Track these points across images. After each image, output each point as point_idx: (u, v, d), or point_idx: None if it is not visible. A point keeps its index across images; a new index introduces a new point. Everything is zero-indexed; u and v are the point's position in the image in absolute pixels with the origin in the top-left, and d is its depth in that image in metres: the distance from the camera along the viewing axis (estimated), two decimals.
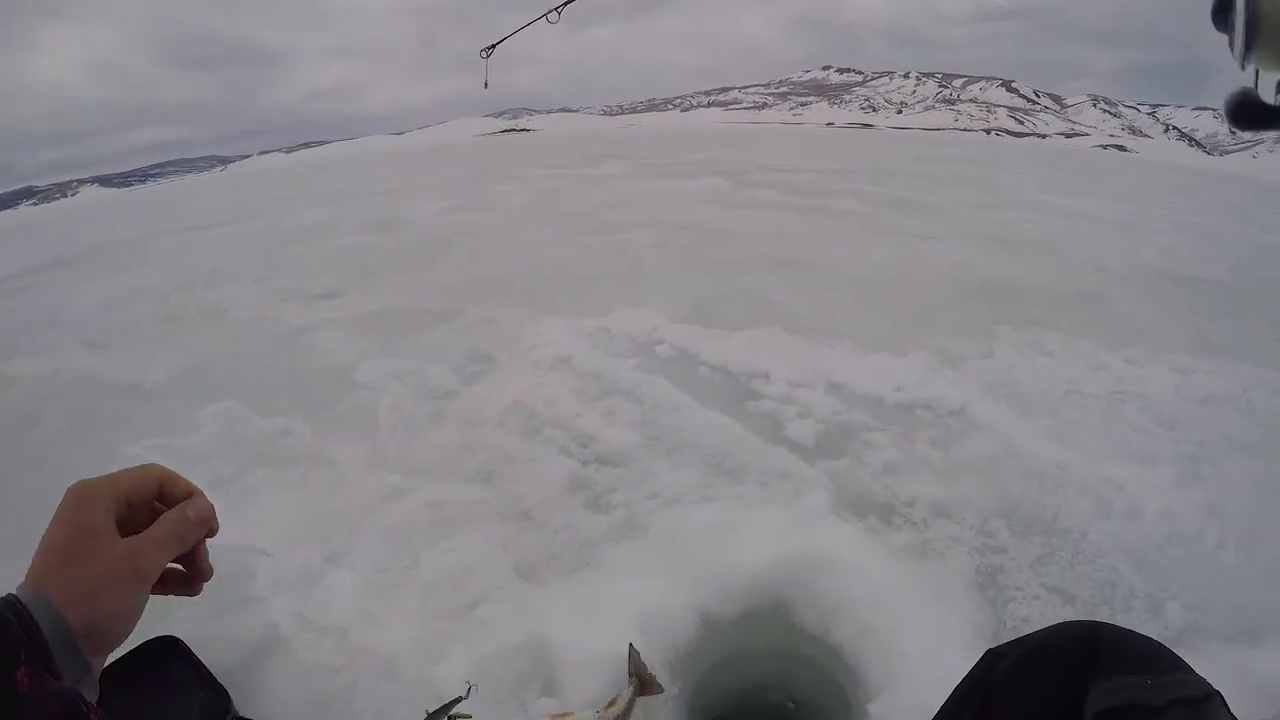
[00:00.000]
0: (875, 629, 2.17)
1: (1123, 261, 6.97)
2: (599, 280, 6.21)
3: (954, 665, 2.09)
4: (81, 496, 0.70)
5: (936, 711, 1.22)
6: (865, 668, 2.12)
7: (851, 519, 2.77)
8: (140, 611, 0.70)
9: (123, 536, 0.71)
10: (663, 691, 1.91)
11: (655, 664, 2.09)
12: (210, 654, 2.02)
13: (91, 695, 0.62)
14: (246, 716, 1.86)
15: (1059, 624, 1.08)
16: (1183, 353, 4.42)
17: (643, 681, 1.85)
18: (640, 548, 2.66)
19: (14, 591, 0.63)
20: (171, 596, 0.82)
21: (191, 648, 2.00)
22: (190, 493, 0.81)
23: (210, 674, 1.95)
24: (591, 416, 3.65)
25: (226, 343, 5.23)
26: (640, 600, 2.27)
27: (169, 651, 1.96)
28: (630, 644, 1.78)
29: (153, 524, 0.75)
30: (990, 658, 1.11)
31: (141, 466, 0.78)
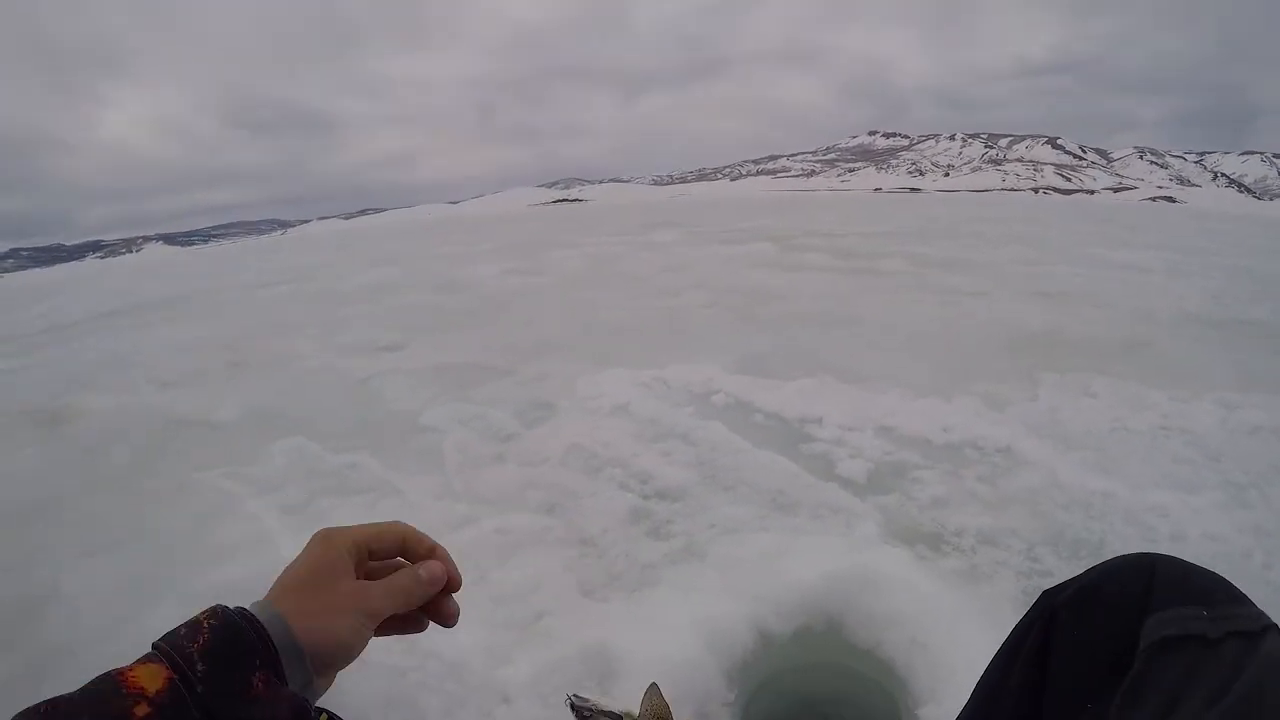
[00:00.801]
0: (924, 643, 2.28)
1: (1169, 308, 6.99)
2: (654, 338, 6.42)
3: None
4: (325, 539, 0.80)
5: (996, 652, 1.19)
6: (914, 679, 2.22)
7: (901, 546, 2.89)
8: (363, 644, 0.78)
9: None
10: None
11: (714, 673, 2.24)
12: None
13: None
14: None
15: (1117, 557, 1.06)
16: (1228, 389, 4.47)
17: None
18: (699, 570, 2.80)
19: (247, 607, 0.70)
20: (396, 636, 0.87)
21: None
22: (433, 550, 0.85)
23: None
24: (649, 456, 3.82)
25: (293, 387, 5.47)
26: (699, 613, 2.42)
27: None
28: (653, 683, 1.68)
29: (390, 576, 0.82)
30: (1048, 594, 1.09)
31: (388, 522, 0.84)
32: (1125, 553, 1.06)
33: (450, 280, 10.40)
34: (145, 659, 0.62)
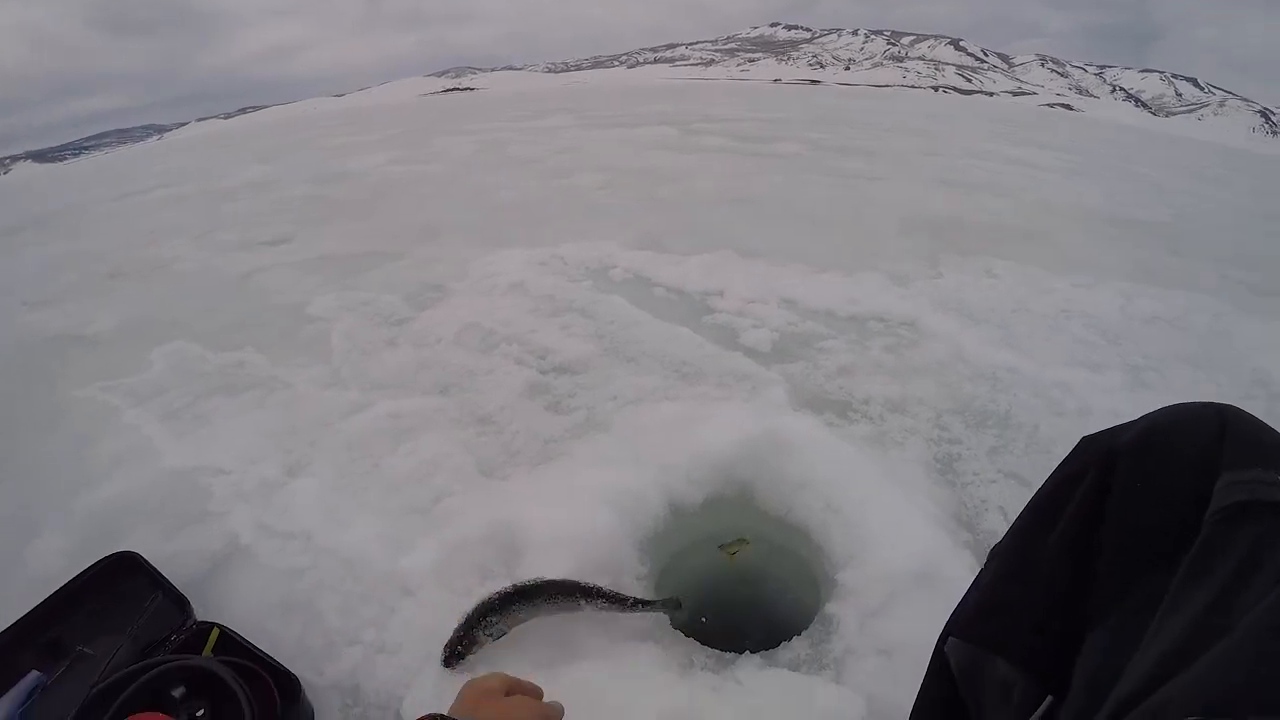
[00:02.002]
0: (838, 507, 2.20)
1: (1068, 203, 7.10)
2: (548, 218, 6.12)
3: (920, 535, 2.14)
4: (478, 684, 1.09)
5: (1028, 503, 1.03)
6: (830, 544, 2.14)
7: (809, 413, 2.80)
8: None
9: None
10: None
11: (625, 546, 2.11)
12: (171, 569, 2.03)
13: None
14: (208, 621, 1.86)
15: (1177, 404, 0.94)
16: (1126, 280, 4.54)
17: None
18: (603, 442, 2.66)
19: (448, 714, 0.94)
20: None
21: (151, 562, 2.01)
22: (539, 690, 1.14)
23: (169, 583, 1.96)
24: (547, 332, 3.63)
25: (173, 292, 5.03)
26: (606, 485, 2.28)
27: (126, 566, 1.99)
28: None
29: (550, 703, 1.13)
30: (1095, 440, 0.95)
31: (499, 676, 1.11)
32: (1184, 403, 0.94)
33: (336, 171, 9.80)
34: None
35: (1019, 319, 3.84)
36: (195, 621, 1.87)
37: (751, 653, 1.92)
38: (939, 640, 1.09)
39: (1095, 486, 0.90)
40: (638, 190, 7.18)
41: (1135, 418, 0.95)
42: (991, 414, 2.89)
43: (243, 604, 2.04)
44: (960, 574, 2.06)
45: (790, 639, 1.95)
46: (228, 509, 2.41)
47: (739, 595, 2.47)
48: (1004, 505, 2.44)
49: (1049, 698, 0.87)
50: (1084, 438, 0.98)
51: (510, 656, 1.76)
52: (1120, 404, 2.96)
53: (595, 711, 1.66)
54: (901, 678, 1.80)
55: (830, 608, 1.99)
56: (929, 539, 2.14)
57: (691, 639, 1.97)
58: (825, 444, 2.45)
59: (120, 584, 1.98)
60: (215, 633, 1.81)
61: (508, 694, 1.07)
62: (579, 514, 2.14)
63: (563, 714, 1.11)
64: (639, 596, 1.90)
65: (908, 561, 2.01)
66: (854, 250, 4.93)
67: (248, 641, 1.80)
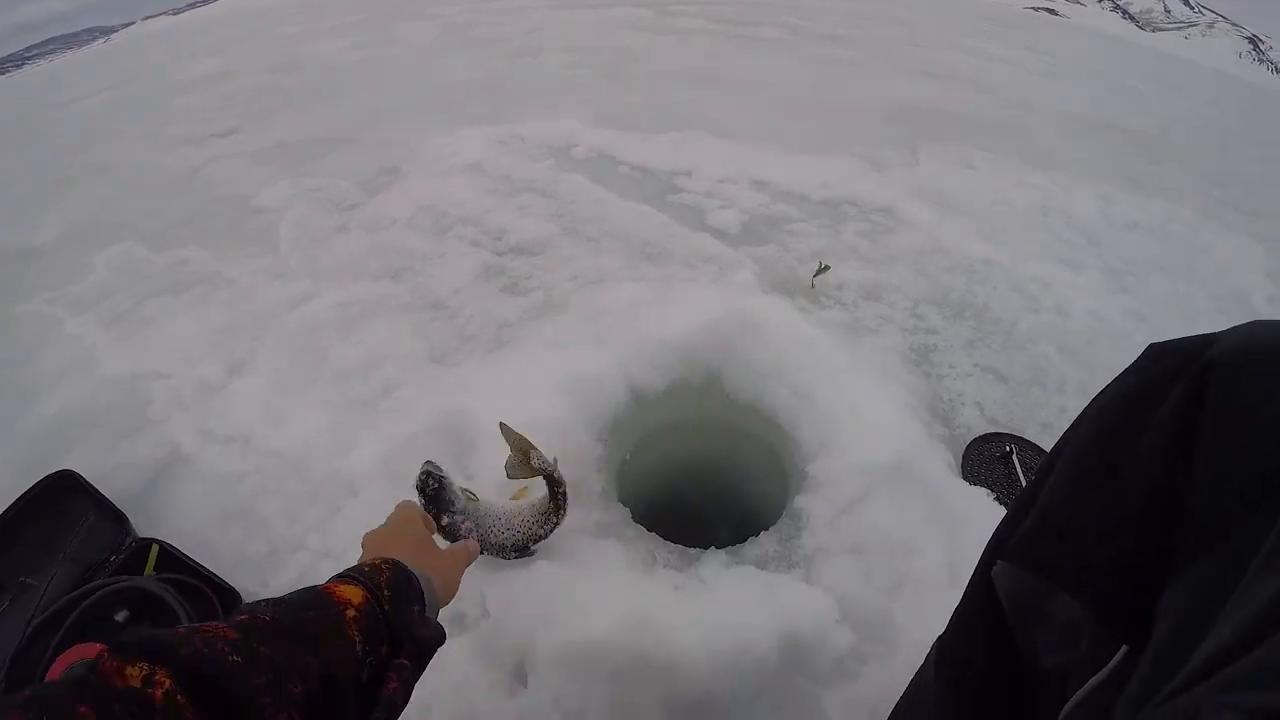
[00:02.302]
0: (808, 394, 2.06)
1: (1050, 104, 6.83)
2: (510, 97, 5.75)
3: (895, 427, 2.01)
4: (409, 516, 1.25)
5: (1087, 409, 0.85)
6: (800, 433, 2.01)
7: (779, 296, 2.63)
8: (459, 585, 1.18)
9: None
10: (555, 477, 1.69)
11: (583, 435, 1.97)
12: (112, 484, 1.96)
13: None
14: (148, 537, 1.80)
15: (1267, 320, 0.74)
16: (1107, 184, 4.37)
17: (522, 453, 1.64)
18: (561, 324, 2.49)
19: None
20: None
21: (91, 481, 1.94)
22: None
23: (108, 502, 1.92)
24: (504, 212, 3.40)
25: (117, 193, 4.68)
26: (563, 371, 2.11)
27: (65, 486, 1.95)
28: (500, 421, 1.60)
29: (463, 543, 1.33)
30: (1168, 351, 0.78)
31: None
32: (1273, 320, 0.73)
33: (290, 60, 9.18)
34: (343, 579, 0.90)
35: (998, 212, 3.69)
36: (134, 539, 1.84)
37: (717, 548, 1.80)
38: (982, 562, 0.93)
39: (1185, 402, 0.72)
40: (607, 69, 6.79)
41: (1209, 331, 0.75)
42: (969, 306, 2.76)
43: (184, 515, 1.98)
44: (936, 470, 1.96)
45: (758, 534, 1.84)
46: (168, 416, 2.31)
47: (706, 486, 2.35)
48: (980, 400, 2.33)
49: (1124, 648, 0.72)
50: (1153, 345, 0.80)
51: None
52: (1099, 306, 2.87)
53: (554, 613, 1.56)
54: (874, 577, 1.71)
55: (800, 501, 1.87)
56: (904, 431, 2.03)
57: (654, 533, 1.85)
58: (796, 329, 2.29)
59: (61, 505, 1.93)
60: (155, 550, 1.78)
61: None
62: (534, 402, 1.98)
63: (477, 553, 1.24)
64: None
65: (881, 454, 1.90)
66: (830, 134, 4.68)
67: (188, 557, 1.77)
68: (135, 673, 0.61)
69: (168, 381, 2.44)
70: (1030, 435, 2.23)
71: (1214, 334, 0.74)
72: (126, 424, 2.27)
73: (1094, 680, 0.73)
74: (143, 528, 1.89)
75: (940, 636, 1.06)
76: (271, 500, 1.97)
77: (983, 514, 1.86)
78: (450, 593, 1.12)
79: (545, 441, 1.67)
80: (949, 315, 2.68)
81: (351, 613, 0.82)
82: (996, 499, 1.92)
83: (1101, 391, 0.83)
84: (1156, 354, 0.79)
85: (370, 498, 1.89)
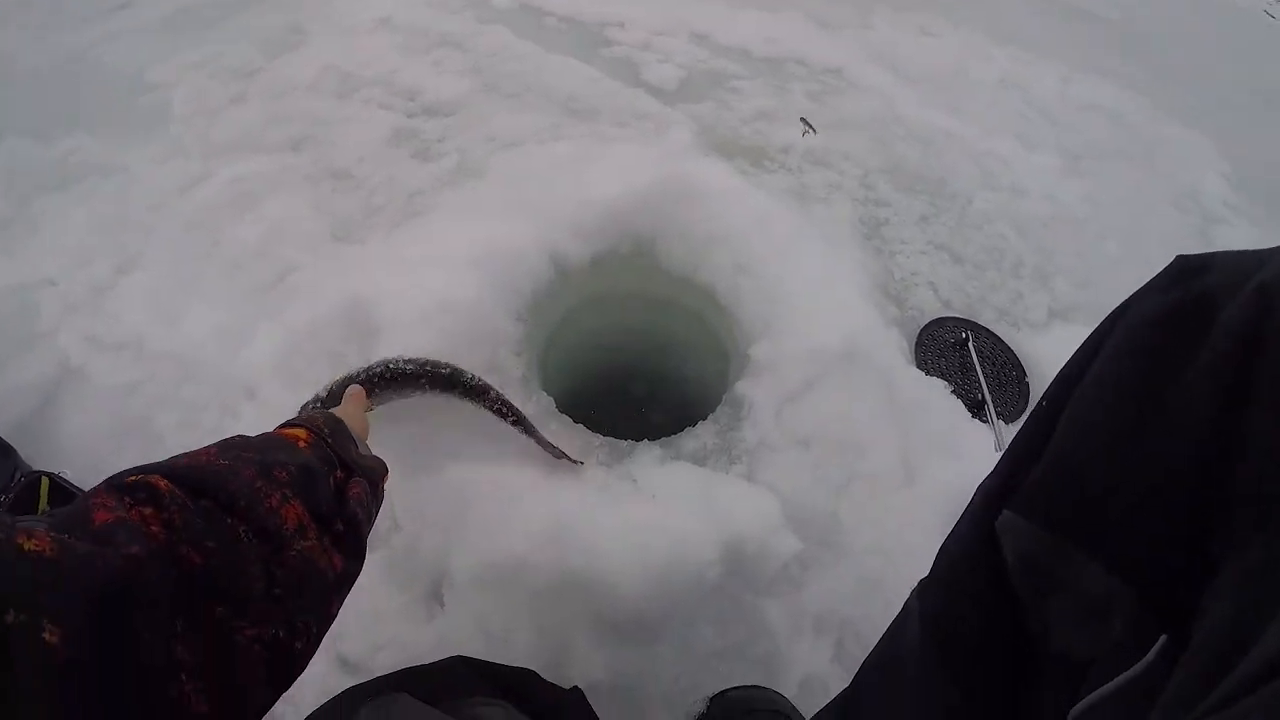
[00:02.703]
0: (750, 268, 1.85)
1: None
2: None
3: (845, 306, 1.79)
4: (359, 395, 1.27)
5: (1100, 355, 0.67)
6: (742, 310, 1.82)
7: (719, 158, 2.37)
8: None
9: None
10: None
11: (500, 314, 1.73)
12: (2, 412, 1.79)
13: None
14: (41, 471, 1.65)
15: None
16: (1067, 64, 4.11)
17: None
18: (476, 191, 2.22)
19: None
20: None
21: None
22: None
23: None
24: (416, 70, 3.01)
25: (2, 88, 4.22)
26: (477, 242, 1.85)
27: None
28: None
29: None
30: (1214, 263, 0.62)
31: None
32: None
33: None
34: (288, 425, 0.92)
35: (956, 82, 3.44)
36: (24, 473, 1.65)
37: (651, 440, 1.61)
38: (976, 506, 0.75)
39: (1242, 331, 0.55)
40: None
41: (1257, 248, 0.60)
42: (923, 178, 2.56)
43: (76, 438, 1.78)
44: (889, 357, 1.78)
45: (695, 423, 1.65)
46: (56, 327, 2.03)
47: (639, 369, 2.15)
48: (934, 280, 2.16)
49: (1163, 637, 0.57)
50: (1182, 257, 0.64)
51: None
52: (1056, 189, 2.72)
53: (469, 524, 1.39)
54: (822, 474, 1.54)
55: (741, 388, 1.68)
56: (855, 312, 1.83)
57: (581, 424, 1.64)
58: (738, 194, 2.04)
59: None
60: (45, 484, 1.62)
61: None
62: (444, 279, 1.73)
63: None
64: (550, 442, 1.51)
65: (831, 337, 1.70)
66: None
67: (79, 490, 1.62)
68: (134, 479, 0.65)
69: (55, 289, 2.16)
70: (985, 321, 2.08)
71: (1259, 251, 0.60)
72: (12, 343, 2.01)
73: (1126, 675, 0.58)
74: (35, 458, 1.70)
75: (922, 581, 0.87)
76: (166, 412, 1.77)
77: (939, 407, 1.71)
78: (365, 431, 1.09)
79: (450, 324, 1.55)
80: (902, 187, 2.48)
81: (302, 443, 0.86)
82: (954, 391, 1.76)
83: (1118, 312, 0.68)
84: (1190, 269, 0.63)
85: (268, 400, 1.67)
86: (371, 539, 1.42)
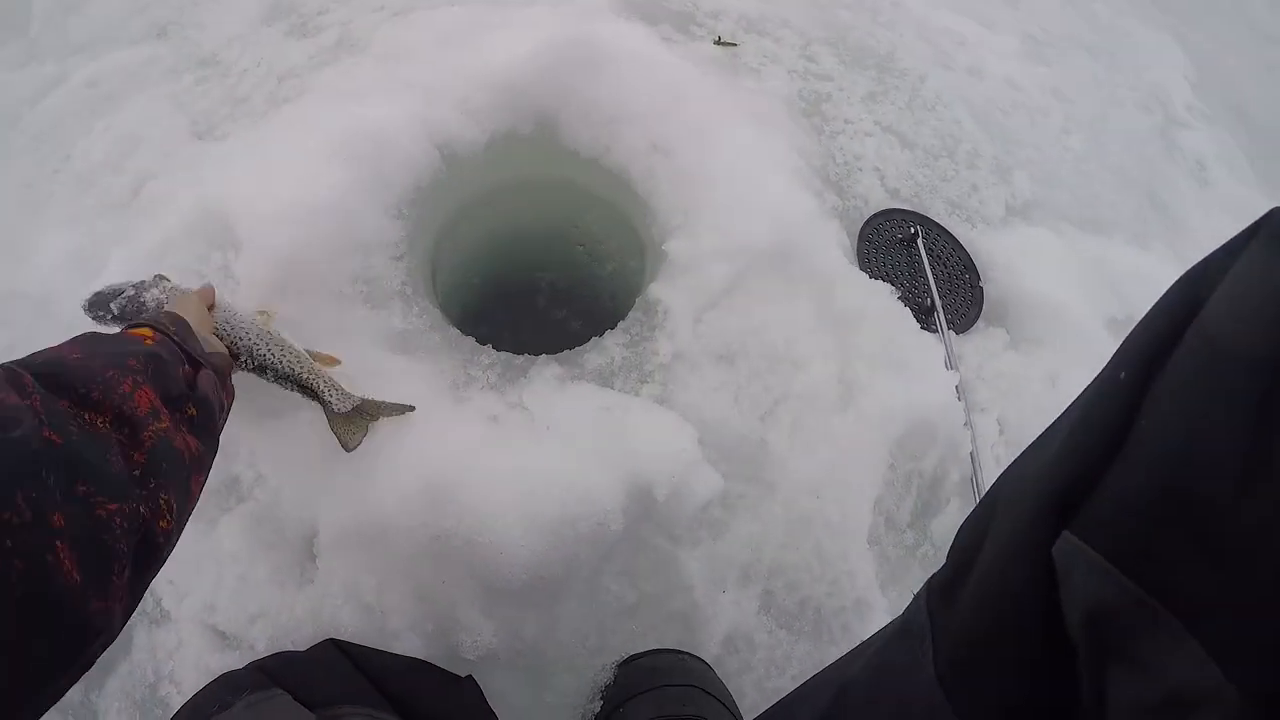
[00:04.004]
0: (669, 149, 1.61)
1: None
2: None
3: (778, 193, 1.54)
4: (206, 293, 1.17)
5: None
6: (659, 199, 1.59)
7: (639, 23, 2.06)
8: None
9: None
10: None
11: (373, 211, 1.48)
12: None
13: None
14: None
15: None
16: None
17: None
18: (356, 69, 1.91)
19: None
20: None
21: None
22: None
23: None
24: None
25: None
26: (350, 128, 1.57)
27: None
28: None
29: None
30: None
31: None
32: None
33: None
34: (133, 326, 0.95)
35: None
36: None
37: (550, 356, 1.39)
38: (1026, 513, 0.53)
39: None
40: None
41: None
42: (871, 52, 2.30)
43: None
44: (828, 254, 1.56)
45: (603, 333, 1.44)
46: None
47: (544, 272, 1.90)
48: (880, 167, 1.92)
49: None
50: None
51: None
52: (1017, 74, 2.51)
53: (338, 476, 1.19)
54: (749, 394, 1.34)
55: (655, 290, 1.46)
56: (789, 200, 1.61)
57: (470, 338, 1.42)
58: (658, 64, 1.78)
59: None
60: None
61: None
62: (306, 176, 1.47)
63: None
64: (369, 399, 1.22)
65: (759, 229, 1.50)
66: None
67: None
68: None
69: None
70: (937, 215, 1.87)
71: None
72: None
73: None
74: None
75: (931, 591, 0.67)
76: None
77: (884, 316, 1.50)
78: (208, 328, 1.10)
79: (316, 227, 1.39)
80: (847, 60, 2.22)
81: (148, 340, 0.89)
82: (901, 298, 1.54)
83: (1197, 272, 0.48)
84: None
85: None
86: (234, 493, 1.29)
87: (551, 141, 1.68)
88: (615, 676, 1.14)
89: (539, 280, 1.95)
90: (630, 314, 1.46)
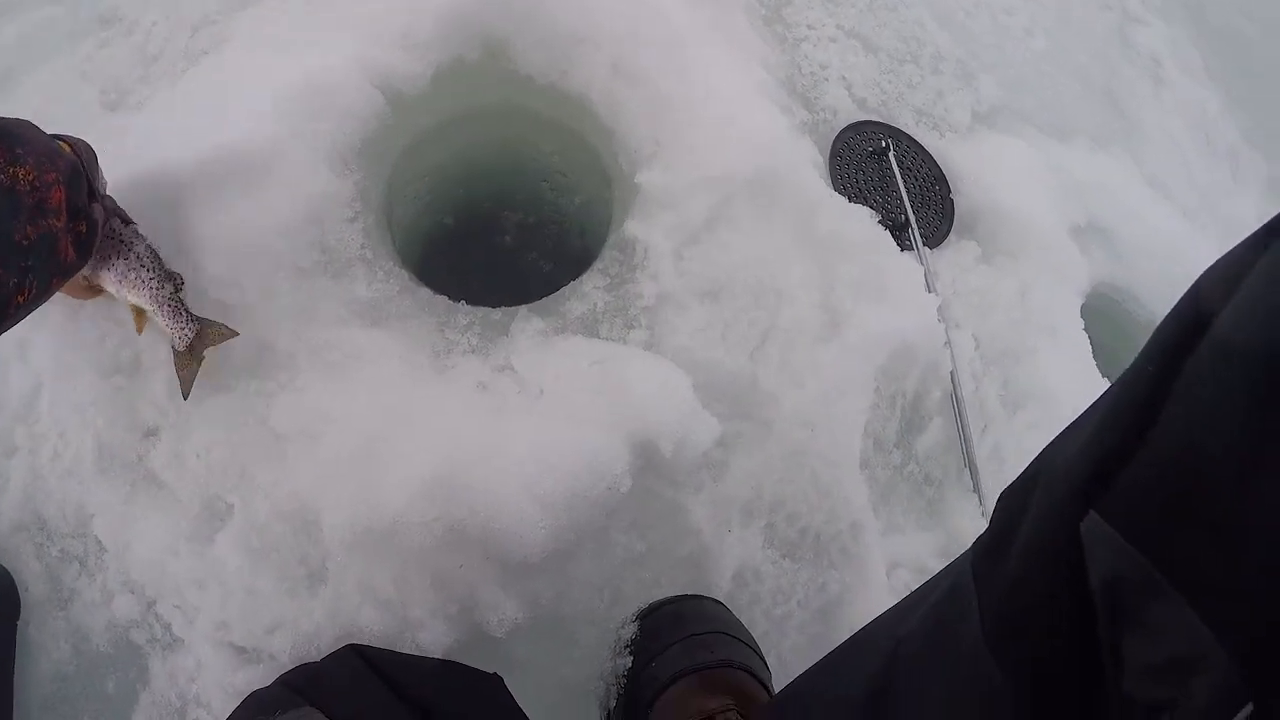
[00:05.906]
0: (633, 72, 1.52)
1: None
2: None
3: (750, 114, 1.50)
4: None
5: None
6: (626, 128, 1.51)
7: None
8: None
9: None
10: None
11: (320, 167, 1.36)
12: None
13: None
14: None
15: None
16: None
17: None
18: (281, 10, 1.70)
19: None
20: None
21: None
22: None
23: None
24: None
25: None
26: (281, 78, 1.43)
27: None
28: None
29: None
30: None
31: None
32: None
33: None
34: (60, 138, 1.00)
35: None
36: None
37: (529, 307, 1.34)
38: (1060, 495, 0.57)
39: None
40: None
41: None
42: None
43: None
44: (804, 175, 1.52)
45: (579, 275, 1.39)
46: None
47: (505, 206, 1.83)
48: (846, 75, 1.85)
49: (1250, 705, 0.45)
50: None
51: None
52: None
53: (331, 473, 1.15)
54: (737, 330, 1.33)
55: (632, 228, 1.41)
56: (762, 120, 1.55)
57: (443, 296, 1.35)
58: None
59: None
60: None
61: None
62: (241, 132, 1.34)
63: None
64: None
65: (736, 155, 1.44)
66: None
67: None
68: None
69: None
70: (904, 125, 1.83)
71: None
72: None
73: None
74: None
75: (973, 561, 0.70)
76: None
77: (863, 241, 1.48)
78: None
79: (254, 184, 1.29)
80: None
81: (67, 149, 0.97)
82: (880, 221, 1.52)
83: (1223, 266, 0.50)
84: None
85: (38, 355, 1.33)
86: (228, 508, 1.22)
87: (503, 69, 1.57)
88: (640, 629, 1.15)
89: (505, 220, 1.88)
90: (606, 253, 1.41)
